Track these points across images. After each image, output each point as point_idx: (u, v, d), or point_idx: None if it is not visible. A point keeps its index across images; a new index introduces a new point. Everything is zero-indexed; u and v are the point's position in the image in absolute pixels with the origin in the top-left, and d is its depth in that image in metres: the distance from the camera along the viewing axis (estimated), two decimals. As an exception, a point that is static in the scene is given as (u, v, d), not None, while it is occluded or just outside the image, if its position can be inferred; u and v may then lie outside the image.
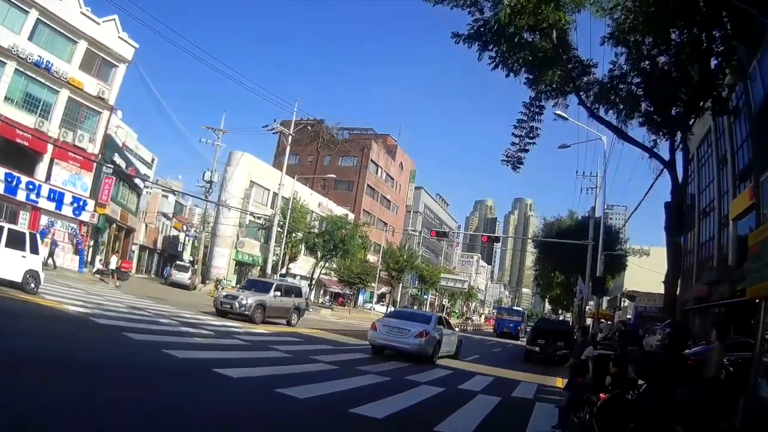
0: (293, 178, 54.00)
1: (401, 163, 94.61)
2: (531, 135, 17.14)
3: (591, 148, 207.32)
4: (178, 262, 51.75)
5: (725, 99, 14.60)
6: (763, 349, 14.32)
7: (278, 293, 25.74)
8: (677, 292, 24.89)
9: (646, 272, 59.51)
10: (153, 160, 75.32)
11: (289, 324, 26.19)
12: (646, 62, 17.98)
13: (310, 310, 44.62)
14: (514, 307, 72.87)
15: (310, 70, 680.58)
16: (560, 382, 16.03)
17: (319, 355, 15.99)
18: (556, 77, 18.43)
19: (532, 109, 19.20)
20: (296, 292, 28.72)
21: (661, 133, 15.24)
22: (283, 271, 49.04)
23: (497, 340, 47.34)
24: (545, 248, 46.16)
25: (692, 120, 14.40)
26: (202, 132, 55.52)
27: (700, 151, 42.46)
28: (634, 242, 61.81)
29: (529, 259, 67.70)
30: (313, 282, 57.21)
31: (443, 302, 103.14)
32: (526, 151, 16.96)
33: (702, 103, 15.51)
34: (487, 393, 13.33)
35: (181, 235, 73.63)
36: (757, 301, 15.36)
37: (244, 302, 23.35)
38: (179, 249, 72.50)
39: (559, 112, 28.99)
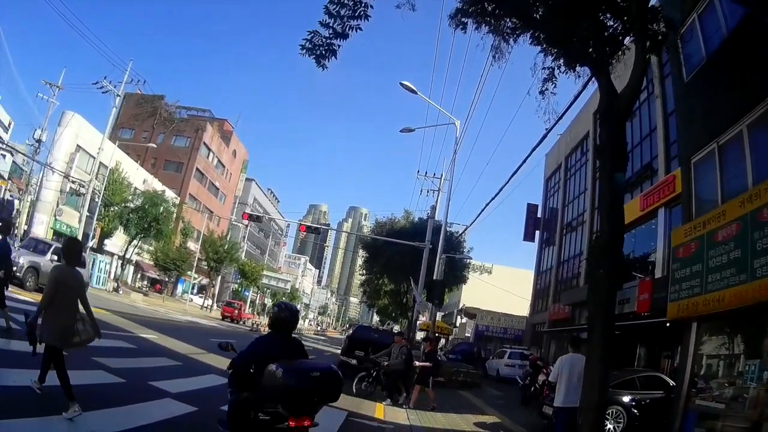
0: (124, 151, 54.26)
1: (235, 151, 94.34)
2: (356, 11, 9.20)
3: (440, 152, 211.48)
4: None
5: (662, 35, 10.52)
6: (691, 388, 11.81)
7: (56, 257, 22.39)
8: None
9: (487, 290, 59.78)
10: (10, 124, 67.23)
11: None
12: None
13: (121, 292, 45.07)
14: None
15: (161, 45, 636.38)
16: (380, 411, 14.17)
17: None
18: None
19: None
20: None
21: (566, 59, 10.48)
22: (92, 245, 46.16)
23: (314, 347, 43.31)
24: (374, 249, 43.68)
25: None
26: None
27: (569, 161, 41.54)
28: (476, 259, 61.77)
29: (360, 264, 66.91)
30: (125, 261, 56.10)
31: (265, 301, 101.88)
32: (345, 37, 9.52)
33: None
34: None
35: (17, 202, 66.42)
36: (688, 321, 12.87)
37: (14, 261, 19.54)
38: (12, 214, 65.07)
39: (406, 83, 25.93)
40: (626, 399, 13.65)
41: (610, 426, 12.98)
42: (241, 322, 52.72)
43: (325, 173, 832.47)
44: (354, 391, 15.97)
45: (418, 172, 36.25)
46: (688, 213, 13.61)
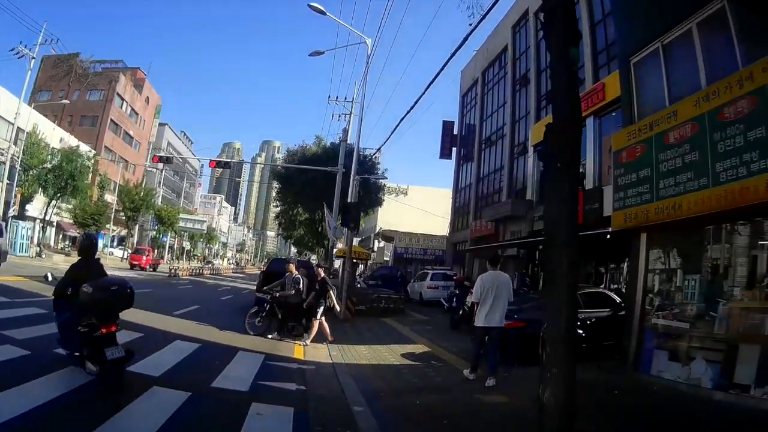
0: (42, 113, 53.32)
1: (147, 98, 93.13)
2: None
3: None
4: None
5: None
6: (645, 305, 11.34)
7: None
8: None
9: (404, 212, 59.38)
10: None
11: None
12: None
13: (44, 256, 44.86)
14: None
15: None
16: (299, 351, 13.17)
17: None
18: None
19: None
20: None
21: None
22: (13, 212, 44.04)
23: (233, 285, 42.43)
24: (287, 179, 42.81)
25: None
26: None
27: (486, 76, 40.87)
28: (393, 181, 61.26)
29: (273, 195, 66.01)
30: (46, 224, 53.89)
31: (183, 245, 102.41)
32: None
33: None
34: (169, 382, 8.28)
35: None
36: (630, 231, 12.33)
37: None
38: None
39: (315, 4, 24.56)
40: None
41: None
42: (150, 269, 50.22)
43: (238, 111, 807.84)
44: (246, 328, 14.86)
45: (329, 97, 34.82)
46: (630, 116, 12.84)
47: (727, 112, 8.96)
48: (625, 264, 18.80)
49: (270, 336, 14.44)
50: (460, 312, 19.16)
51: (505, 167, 34.06)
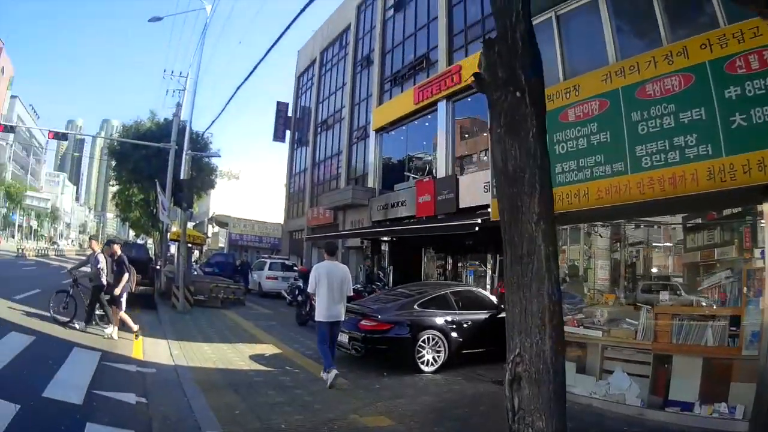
0: None
1: (2, 68, 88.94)
2: None
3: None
4: None
5: None
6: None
7: None
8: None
9: (237, 196, 58.42)
10: None
11: None
12: None
13: None
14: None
15: None
16: (138, 348, 12.08)
17: None
18: None
19: None
20: None
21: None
22: None
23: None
24: (122, 155, 39.50)
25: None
26: None
27: (324, 56, 39.54)
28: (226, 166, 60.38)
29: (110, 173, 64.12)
30: None
31: (31, 224, 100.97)
32: None
33: None
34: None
35: None
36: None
37: None
38: None
39: None
40: (441, 321, 11.39)
41: (428, 356, 10.81)
42: None
43: (83, 85, 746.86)
44: (50, 313, 13.40)
45: (164, 71, 32.32)
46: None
47: (650, 89, 7.95)
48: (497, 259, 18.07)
49: (77, 326, 12.92)
50: (307, 307, 17.49)
51: (343, 152, 32.79)
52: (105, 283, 13.00)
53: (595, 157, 8.69)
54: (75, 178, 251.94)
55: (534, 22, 10.94)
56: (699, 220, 8.59)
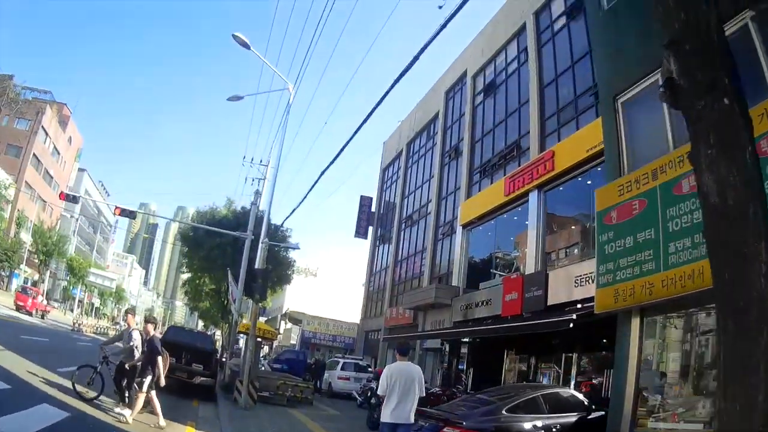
0: None
1: (71, 138, 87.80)
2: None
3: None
4: None
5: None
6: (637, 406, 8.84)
7: None
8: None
9: (314, 294, 58.76)
10: None
11: None
12: None
13: None
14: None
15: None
16: None
17: None
18: None
19: None
20: None
21: None
22: None
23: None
24: (195, 241, 39.59)
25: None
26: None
27: (411, 147, 38.75)
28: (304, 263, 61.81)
29: (180, 259, 65.86)
30: None
31: (93, 301, 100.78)
32: None
33: None
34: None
35: None
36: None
37: None
38: None
39: (240, 34, 21.99)
40: (529, 426, 9.66)
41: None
42: (37, 314, 44.58)
43: (159, 168, 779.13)
44: (73, 387, 12.03)
45: (244, 157, 32.50)
46: (616, 166, 10.34)
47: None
48: (591, 355, 16.43)
49: (124, 414, 11.20)
50: (380, 410, 15.92)
51: (428, 249, 31.16)
52: (136, 361, 11.74)
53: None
54: (145, 263, 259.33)
55: (642, 85, 9.55)
56: None
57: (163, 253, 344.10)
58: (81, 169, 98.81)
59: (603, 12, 11.93)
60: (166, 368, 12.05)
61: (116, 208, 33.41)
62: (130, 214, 34.01)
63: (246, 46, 22.16)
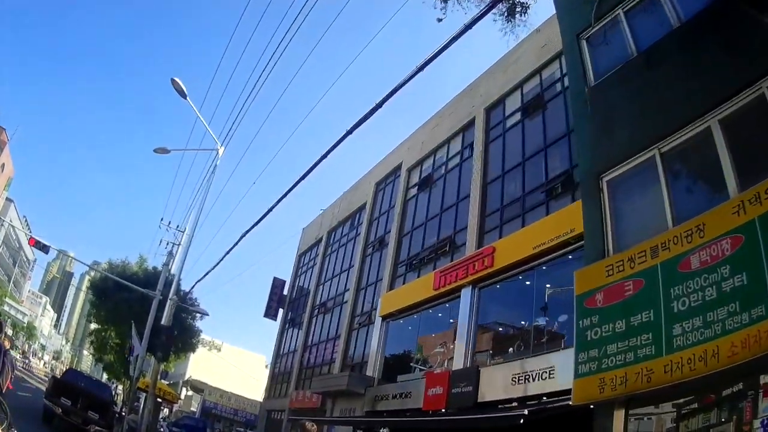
0: None
1: (3, 165, 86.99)
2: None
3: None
4: None
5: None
6: None
7: None
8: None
9: (217, 366, 58.81)
10: None
11: None
12: None
13: None
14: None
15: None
16: None
17: None
18: None
19: None
20: None
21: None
22: None
23: (38, 386, 41.62)
24: (103, 291, 39.02)
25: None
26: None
27: (332, 236, 38.72)
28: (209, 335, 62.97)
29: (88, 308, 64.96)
30: None
31: (8, 331, 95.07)
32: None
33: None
34: None
35: None
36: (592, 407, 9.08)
37: None
38: None
39: (178, 80, 21.61)
40: None
41: None
42: None
43: (82, 215, 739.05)
44: None
45: (162, 219, 32.37)
46: (598, 248, 10.24)
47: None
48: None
49: None
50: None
51: (341, 337, 30.48)
52: None
53: (728, 306, 7.03)
54: (58, 308, 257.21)
55: (632, 163, 9.78)
56: None
57: (76, 301, 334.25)
58: (9, 199, 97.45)
59: (589, 88, 12.11)
60: (8, 380, 10.51)
61: (31, 238, 32.91)
62: (44, 248, 33.01)
63: (183, 94, 21.70)
